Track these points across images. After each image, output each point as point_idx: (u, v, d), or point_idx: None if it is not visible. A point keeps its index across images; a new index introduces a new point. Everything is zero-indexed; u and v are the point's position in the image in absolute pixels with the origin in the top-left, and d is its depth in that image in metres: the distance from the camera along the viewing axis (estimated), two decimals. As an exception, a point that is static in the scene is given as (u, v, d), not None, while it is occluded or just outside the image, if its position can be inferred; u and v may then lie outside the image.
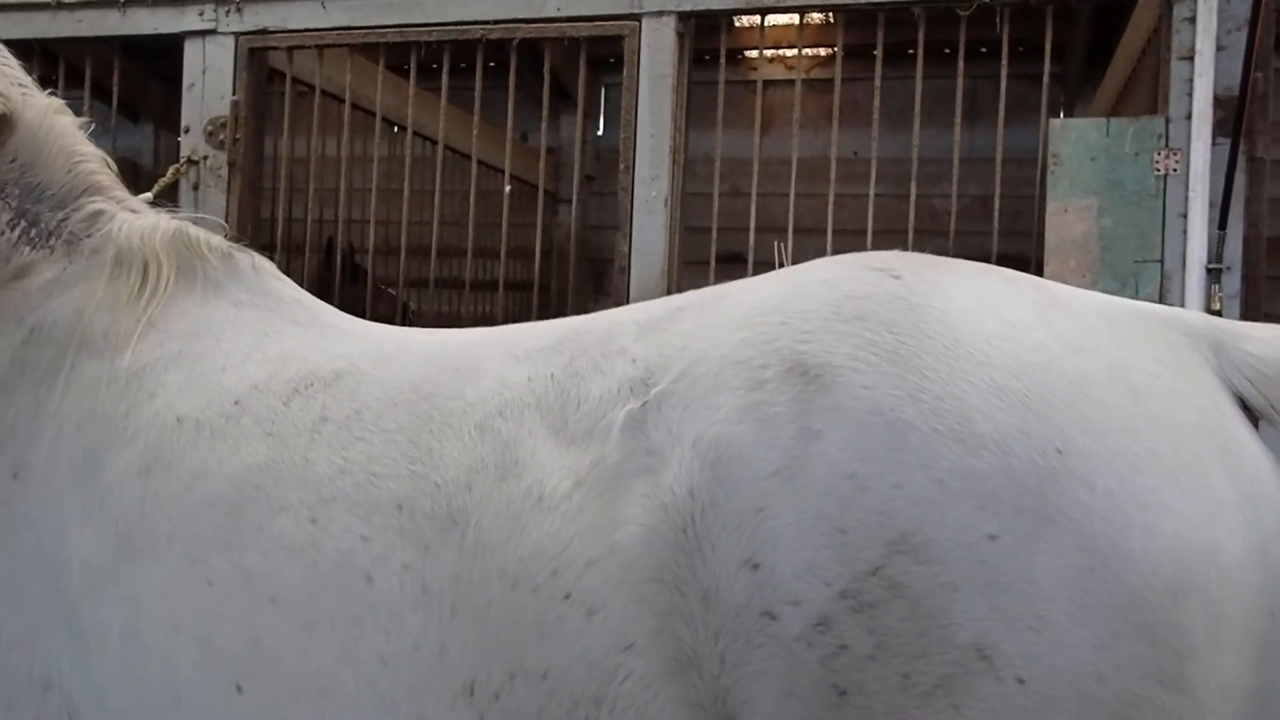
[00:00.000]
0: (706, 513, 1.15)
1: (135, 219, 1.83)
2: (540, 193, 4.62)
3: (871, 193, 3.56)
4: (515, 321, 1.75)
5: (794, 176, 3.63)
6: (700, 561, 1.14)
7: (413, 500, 1.27)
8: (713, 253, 3.69)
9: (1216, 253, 3.14)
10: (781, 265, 1.76)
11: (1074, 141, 3.28)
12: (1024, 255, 4.11)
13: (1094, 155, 3.26)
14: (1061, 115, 4.90)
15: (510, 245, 4.03)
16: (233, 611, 1.28)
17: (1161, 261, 3.10)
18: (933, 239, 4.38)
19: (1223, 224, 3.10)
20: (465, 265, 4.03)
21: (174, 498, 1.37)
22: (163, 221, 1.84)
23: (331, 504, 1.30)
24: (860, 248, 3.41)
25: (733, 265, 3.62)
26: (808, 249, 3.68)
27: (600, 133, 6.63)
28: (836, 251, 3.52)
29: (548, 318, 1.57)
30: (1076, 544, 1.06)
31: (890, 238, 3.78)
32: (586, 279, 6.29)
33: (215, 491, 1.36)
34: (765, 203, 3.90)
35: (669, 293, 3.54)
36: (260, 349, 1.56)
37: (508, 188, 3.99)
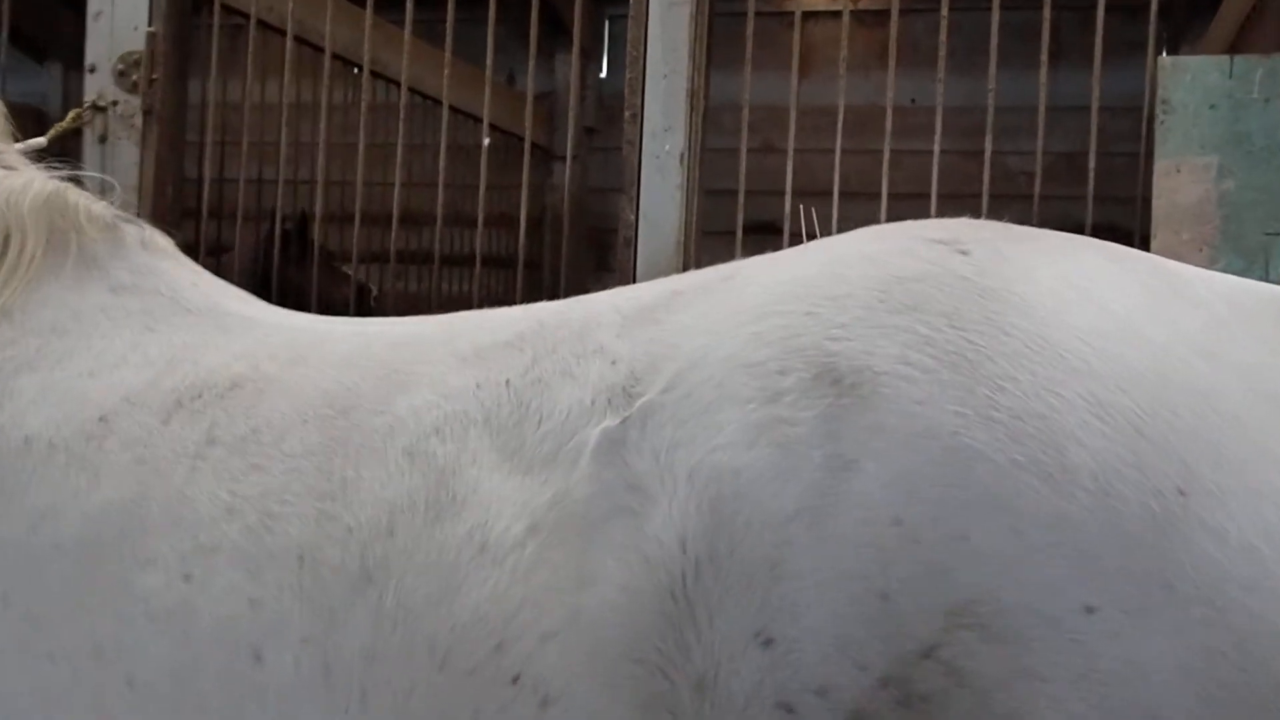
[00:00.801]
0: (704, 569, 1.11)
1: (4, 178, 1.80)
2: (528, 147, 4.62)
3: (936, 149, 3.55)
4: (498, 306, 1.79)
5: (840, 129, 3.63)
6: (694, 636, 1.10)
7: (317, 550, 1.22)
8: (739, 221, 3.69)
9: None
10: (814, 237, 1.74)
11: (1189, 85, 3.26)
12: (1124, 226, 4.06)
13: (1213, 102, 3.24)
14: (1166, 54, 4.71)
15: (490, 212, 4.02)
16: (78, 696, 1.21)
17: (1299, 234, 3.08)
18: (1011, 204, 4.48)
19: None
20: (435, 236, 4.00)
21: (15, 541, 1.32)
22: (38, 181, 1.81)
23: (213, 555, 1.26)
24: (921, 216, 3.72)
25: (764, 237, 3.64)
26: (855, 217, 3.59)
27: (603, 74, 6.71)
28: (892, 220, 3.68)
29: (537, 300, 1.58)
30: (1204, 618, 1.01)
31: (958, 203, 3.51)
32: (585, 253, 6.34)
33: (66, 535, 1.30)
34: (804, 160, 3.96)
35: (685, 270, 3.47)
36: (140, 348, 1.52)
37: (487, 140, 3.97)
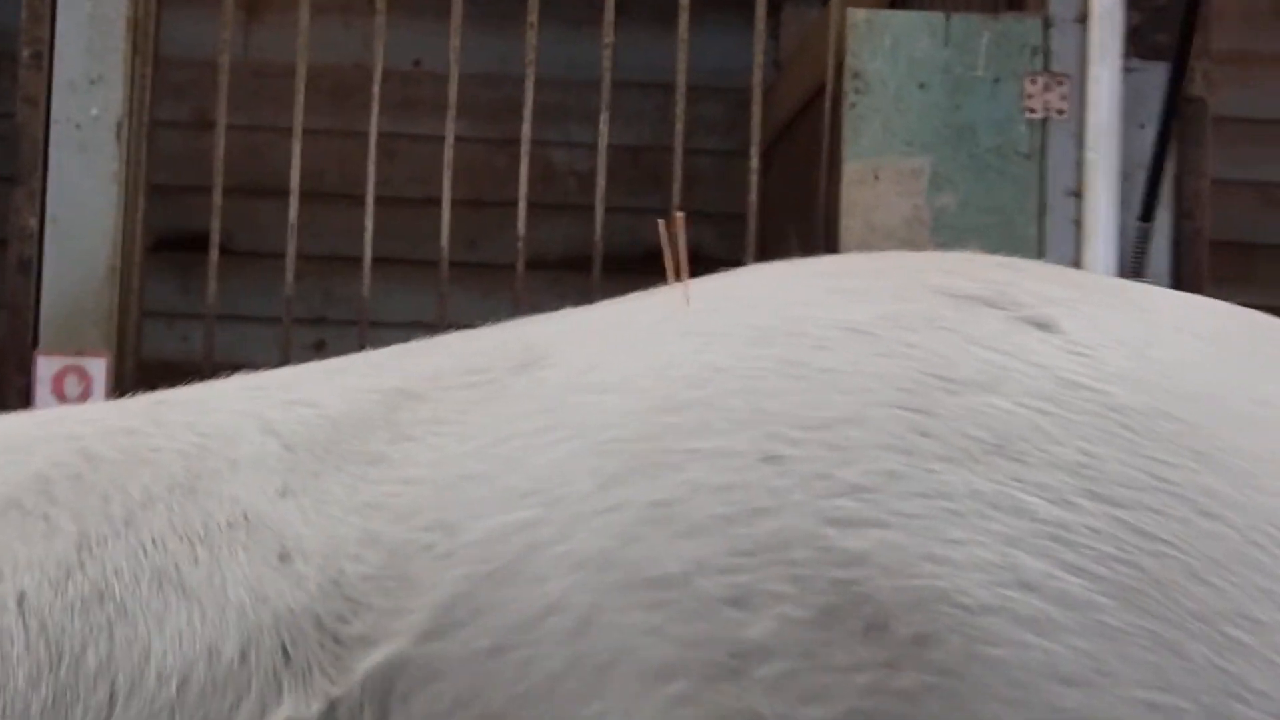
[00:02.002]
0: None
1: None
2: None
3: (449, 134, 3.60)
4: None
5: (299, 98, 3.62)
6: None
7: None
8: (215, 233, 3.61)
9: (1134, 259, 3.24)
10: (677, 268, 1.34)
11: (889, 53, 3.25)
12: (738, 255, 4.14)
13: (924, 79, 3.24)
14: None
15: None
16: None
17: (1038, 271, 3.14)
18: (557, 216, 4.58)
19: (1147, 213, 3.13)
20: None
21: None
22: None
23: None
24: (426, 224, 3.88)
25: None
26: (328, 229, 3.92)
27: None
28: (378, 229, 3.75)
29: None
30: None
31: (479, 213, 4.08)
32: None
33: None
34: (252, 142, 4.15)
35: (125, 312, 3.51)
36: None
37: None
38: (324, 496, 1.21)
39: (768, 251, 3.61)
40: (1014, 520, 1.03)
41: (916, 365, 1.10)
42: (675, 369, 1.17)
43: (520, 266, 3.51)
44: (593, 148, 3.74)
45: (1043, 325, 1.12)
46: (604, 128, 3.64)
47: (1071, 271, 1.39)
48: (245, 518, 1.21)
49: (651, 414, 1.15)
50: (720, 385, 1.15)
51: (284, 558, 1.18)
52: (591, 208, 3.62)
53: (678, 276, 1.41)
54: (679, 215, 1.30)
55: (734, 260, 3.74)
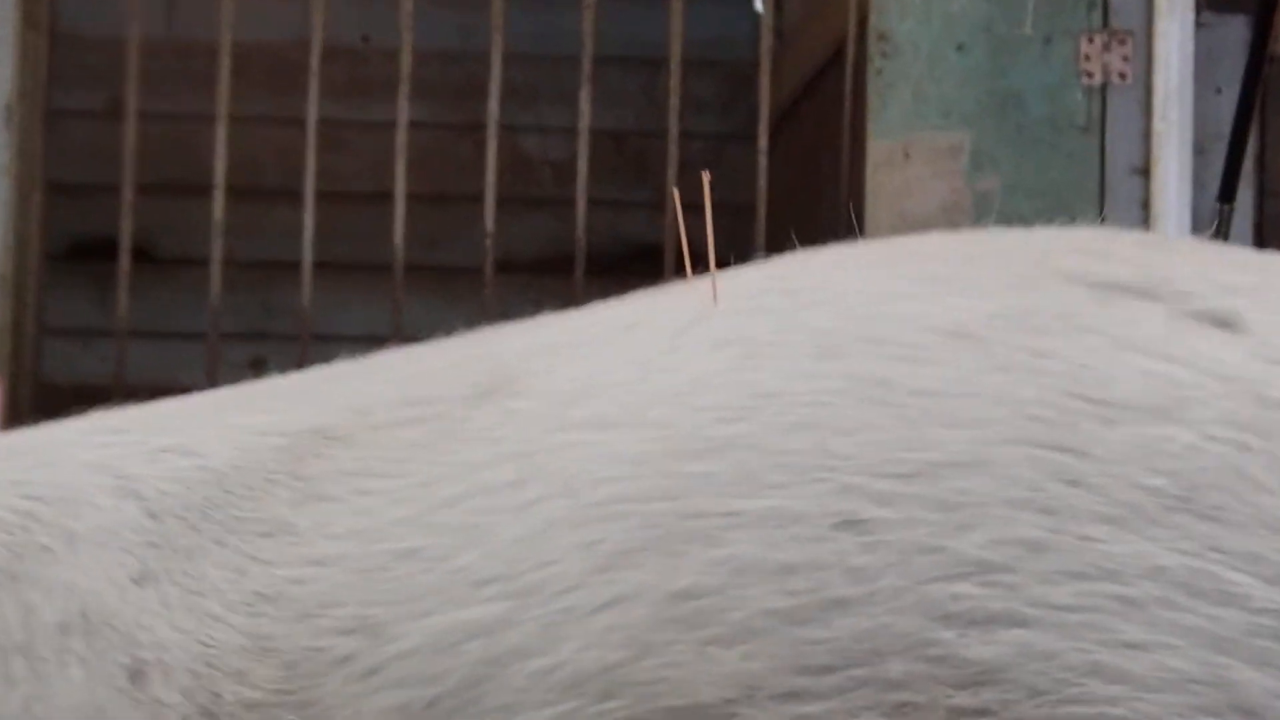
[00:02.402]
0: None
1: None
2: None
3: (403, 117, 3.56)
4: None
5: (226, 81, 3.57)
6: None
7: None
8: (125, 235, 3.54)
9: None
10: (704, 263, 1.18)
11: (920, 10, 3.19)
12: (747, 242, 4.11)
13: (962, 40, 3.18)
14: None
15: None
16: None
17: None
18: (531, 213, 4.48)
19: (1227, 193, 2.94)
20: None
21: None
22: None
23: None
24: (365, 218, 4.01)
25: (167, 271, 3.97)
26: (265, 233, 3.90)
27: None
28: (322, 230, 3.64)
29: None
30: None
31: (441, 210, 4.06)
32: None
33: None
34: (171, 132, 4.16)
35: (19, 328, 3.49)
36: None
37: None
38: (198, 585, 1.10)
39: (775, 252, 3.47)
40: (1219, 611, 0.91)
41: (1054, 383, 0.98)
42: (704, 394, 1.03)
43: (488, 269, 3.45)
44: (569, 133, 3.70)
45: (1224, 323, 1.02)
46: (585, 106, 3.56)
47: (1232, 248, 1.29)
48: (84, 617, 1.10)
49: (671, 460, 0.99)
50: (771, 417, 1.00)
51: (136, 676, 1.09)
52: (568, 201, 3.59)
53: (690, 268, 1.28)
54: (705, 175, 1.16)
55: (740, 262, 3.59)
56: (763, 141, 3.41)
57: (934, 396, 1.00)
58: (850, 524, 0.96)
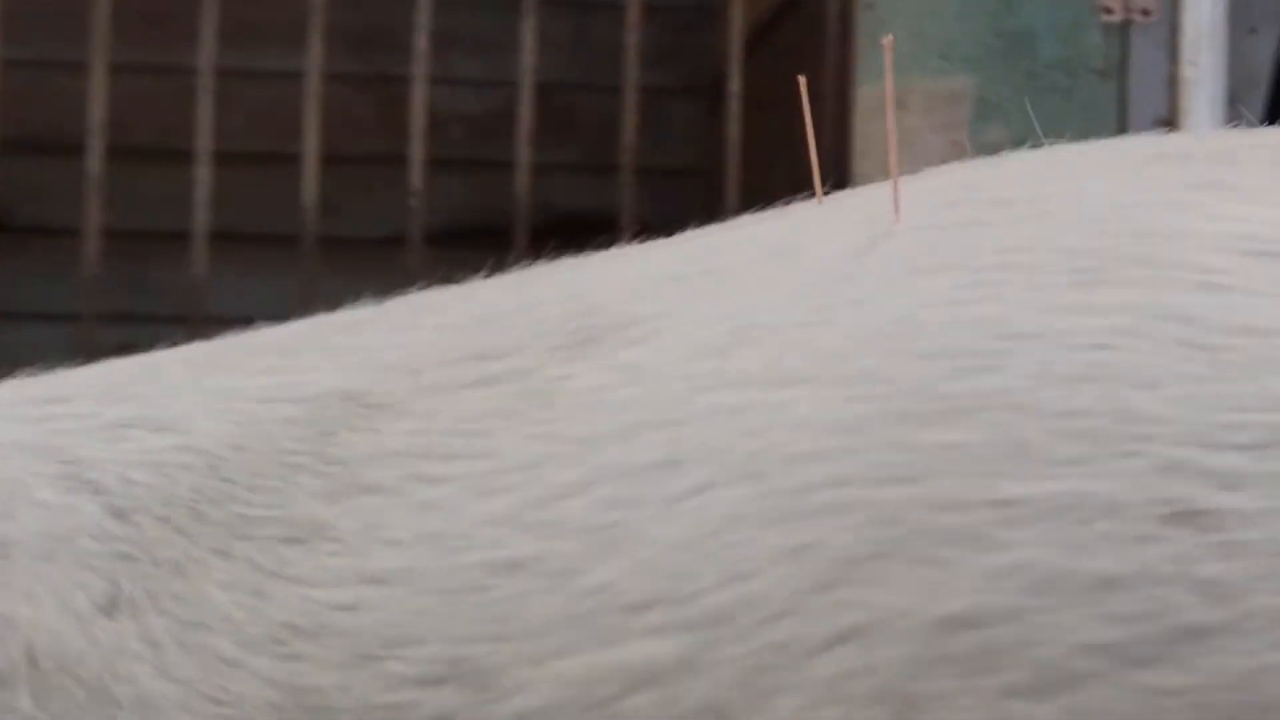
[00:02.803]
0: None
1: None
2: None
3: (315, 61, 3.47)
4: None
5: (103, 25, 3.45)
6: None
7: None
8: None
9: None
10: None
11: None
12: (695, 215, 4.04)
13: None
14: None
15: None
16: None
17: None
18: (427, 178, 4.67)
19: None
20: None
21: None
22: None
23: None
24: (259, 182, 4.00)
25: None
26: (131, 192, 3.77)
27: None
28: (210, 195, 3.61)
29: None
30: None
31: (340, 173, 3.92)
32: None
33: None
34: (36, 84, 4.06)
35: None
36: None
37: None
38: (197, 613, 0.96)
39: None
40: None
41: None
42: (924, 336, 0.88)
43: (414, 238, 3.40)
44: (486, 85, 3.71)
45: None
46: (528, 62, 3.43)
47: None
48: (31, 662, 0.95)
49: (898, 427, 0.83)
50: (1035, 366, 0.87)
51: None
52: (484, 163, 3.61)
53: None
54: (889, 40, 1.04)
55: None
56: (734, 83, 3.31)
57: (1259, 335, 0.84)
58: (1187, 516, 0.79)
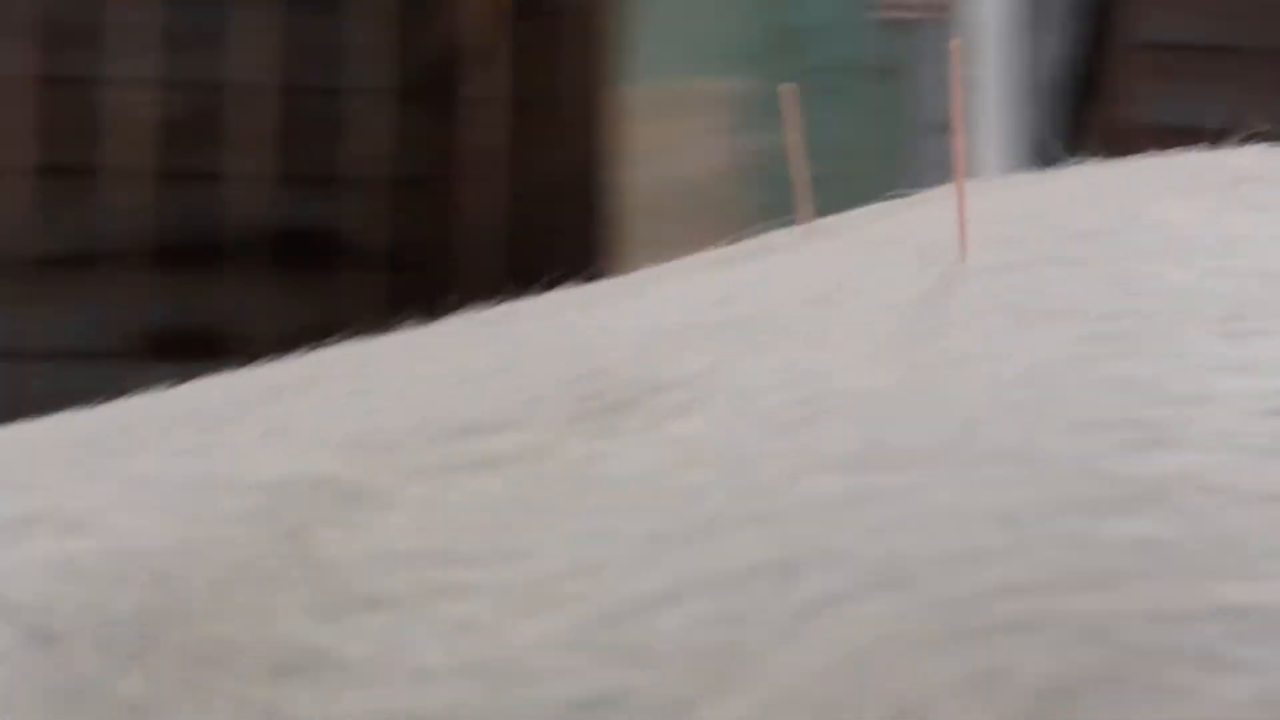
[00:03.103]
0: None
1: None
2: None
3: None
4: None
5: None
6: None
7: None
8: None
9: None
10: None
11: None
12: (402, 238, 4.00)
13: None
14: None
15: None
16: None
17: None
18: (122, 189, 4.32)
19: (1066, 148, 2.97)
20: None
21: None
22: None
23: None
24: None
25: None
26: None
27: None
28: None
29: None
30: None
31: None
32: None
33: None
34: None
35: None
36: None
37: None
38: None
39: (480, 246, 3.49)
40: None
41: None
42: (1062, 400, 0.84)
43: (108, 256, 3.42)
44: (180, 86, 3.66)
45: None
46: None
47: None
48: None
49: (1071, 517, 0.81)
50: (1209, 433, 0.83)
51: None
52: (181, 175, 3.58)
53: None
54: (956, 43, 1.06)
55: (436, 264, 3.83)
56: (470, 88, 3.32)
57: None
58: None
